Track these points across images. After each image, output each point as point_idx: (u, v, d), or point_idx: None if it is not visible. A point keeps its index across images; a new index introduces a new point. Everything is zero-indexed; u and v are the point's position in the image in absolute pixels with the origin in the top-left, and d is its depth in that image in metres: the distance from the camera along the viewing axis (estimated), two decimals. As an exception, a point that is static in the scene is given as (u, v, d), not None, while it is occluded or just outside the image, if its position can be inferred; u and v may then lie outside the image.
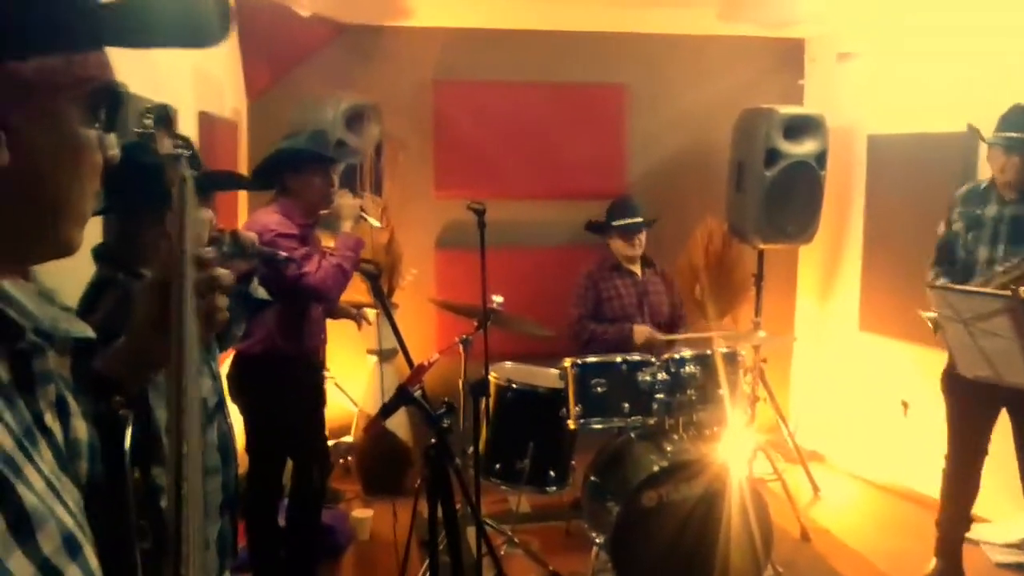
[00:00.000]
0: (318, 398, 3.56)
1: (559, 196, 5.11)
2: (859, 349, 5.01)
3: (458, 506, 3.27)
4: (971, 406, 3.47)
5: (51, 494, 0.76)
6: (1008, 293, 2.78)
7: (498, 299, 3.76)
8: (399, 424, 4.27)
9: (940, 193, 4.41)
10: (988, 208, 3.47)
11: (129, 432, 0.99)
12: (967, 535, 3.67)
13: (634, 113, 5.24)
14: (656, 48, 5.24)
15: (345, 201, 3.28)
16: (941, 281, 3.52)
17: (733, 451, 3.61)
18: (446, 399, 2.63)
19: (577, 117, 5.19)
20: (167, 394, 1.01)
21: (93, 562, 0.79)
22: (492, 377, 3.79)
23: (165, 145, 1.40)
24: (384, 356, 4.41)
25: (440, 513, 2.61)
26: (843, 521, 4.40)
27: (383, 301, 3.08)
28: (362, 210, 3.36)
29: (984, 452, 3.51)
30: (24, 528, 0.71)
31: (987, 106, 3.53)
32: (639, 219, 4.31)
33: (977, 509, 3.72)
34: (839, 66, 5.19)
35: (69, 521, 0.77)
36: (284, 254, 2.60)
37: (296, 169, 3.24)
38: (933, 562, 3.68)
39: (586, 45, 5.17)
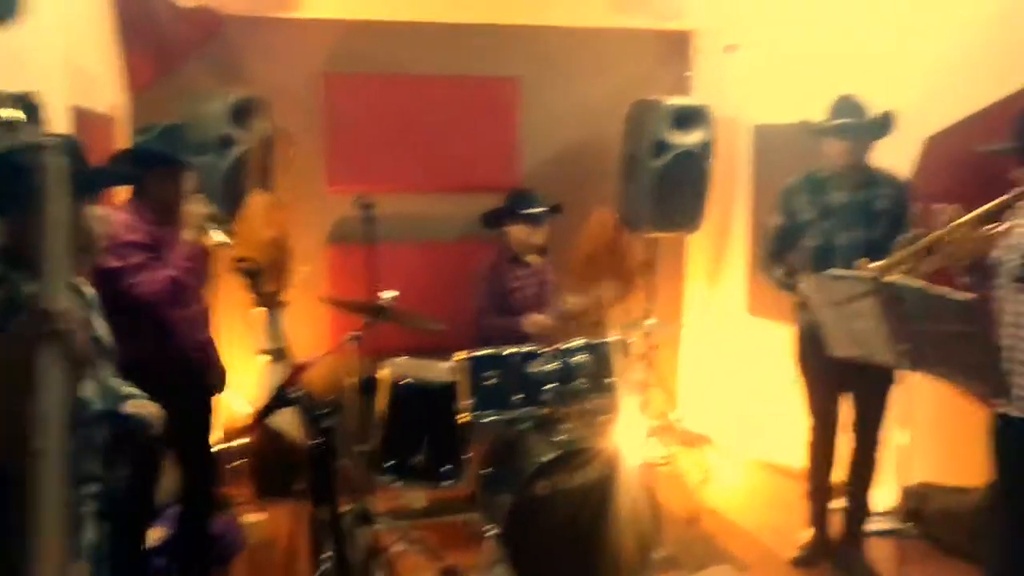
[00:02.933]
0: (201, 406, 3.46)
1: (453, 189, 5.10)
2: (748, 333, 5.17)
3: (350, 506, 3.27)
4: (819, 384, 3.77)
5: None
6: (872, 276, 2.90)
7: (390, 294, 3.73)
8: (292, 425, 4.20)
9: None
10: (834, 196, 3.64)
11: None
12: (837, 504, 3.90)
13: (527, 106, 5.27)
14: (548, 41, 5.27)
15: (190, 208, 3.16)
16: (778, 273, 3.77)
17: (624, 437, 3.69)
18: (331, 398, 2.61)
19: (470, 110, 5.18)
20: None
21: None
22: (384, 372, 3.77)
23: (30, 134, 1.36)
24: (275, 356, 4.34)
25: (329, 514, 2.60)
26: (731, 500, 4.56)
27: (262, 300, 3.02)
28: (211, 221, 3.20)
29: (834, 424, 3.79)
30: None
31: (868, 94, 3.66)
32: (545, 208, 4.37)
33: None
34: (725, 58, 5.32)
35: None
36: None
37: (147, 168, 3.12)
38: (807, 532, 3.93)
39: (479, 38, 5.17)
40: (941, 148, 3.99)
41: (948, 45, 4.03)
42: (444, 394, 3.66)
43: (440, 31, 5.08)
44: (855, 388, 3.68)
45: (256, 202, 4.40)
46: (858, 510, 3.79)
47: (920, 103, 3.87)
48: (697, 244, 5.54)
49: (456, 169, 5.13)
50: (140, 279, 3.02)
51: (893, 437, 3.67)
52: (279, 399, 2.45)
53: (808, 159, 4.27)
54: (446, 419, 3.63)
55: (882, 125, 3.58)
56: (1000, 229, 2.91)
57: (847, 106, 3.59)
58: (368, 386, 3.65)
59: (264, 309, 4.31)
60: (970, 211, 2.89)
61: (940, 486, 4.03)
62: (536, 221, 4.34)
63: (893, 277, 2.86)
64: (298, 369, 2.60)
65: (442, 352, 3.92)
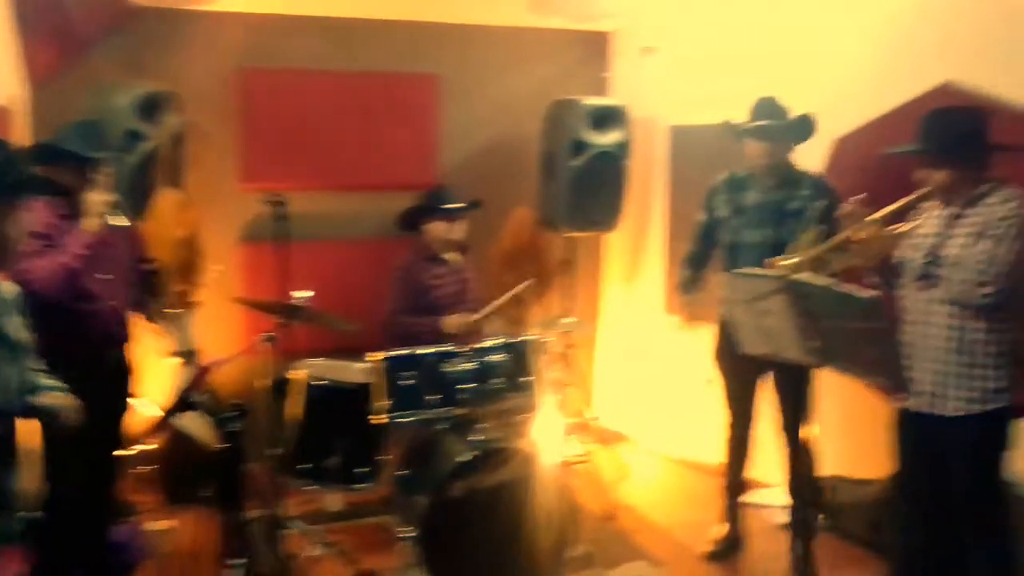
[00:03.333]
0: (113, 403, 3.35)
1: (371, 188, 5.03)
2: (665, 331, 5.23)
3: (262, 511, 3.20)
4: (736, 379, 3.85)
5: None
6: (781, 274, 2.96)
7: (304, 294, 3.65)
8: (201, 428, 4.07)
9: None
10: (749, 195, 3.72)
11: None
12: (749, 499, 4.04)
13: (446, 104, 5.23)
14: (468, 39, 5.24)
15: (91, 197, 3.09)
16: (684, 275, 3.95)
17: (541, 436, 3.69)
18: (239, 400, 2.54)
19: (388, 108, 5.11)
20: None
21: None
22: (299, 374, 3.69)
23: None
24: (186, 358, 4.20)
25: (238, 520, 2.53)
26: (648, 497, 4.62)
27: (161, 301, 2.94)
28: (114, 208, 3.15)
29: (750, 419, 3.87)
30: None
31: (781, 95, 3.75)
32: (464, 203, 4.33)
33: (762, 475, 4.02)
34: (642, 60, 5.38)
35: None
36: None
37: (54, 163, 3.11)
38: (721, 527, 3.99)
39: (398, 35, 5.11)
40: (850, 149, 4.11)
41: (858, 48, 4.15)
42: (359, 395, 3.60)
43: (358, 27, 5.00)
44: (778, 383, 3.72)
45: (165, 200, 4.27)
46: (806, 506, 3.80)
47: (830, 104, 3.96)
48: (614, 243, 5.59)
49: (373, 167, 5.07)
50: (31, 266, 2.93)
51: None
52: (181, 402, 2.38)
53: (723, 159, 4.37)
54: (361, 421, 3.57)
55: (801, 127, 3.66)
56: (905, 229, 3.01)
57: (767, 108, 3.66)
58: (281, 388, 3.57)
59: (174, 310, 4.18)
60: (877, 211, 2.99)
61: (846, 479, 4.14)
62: (454, 217, 4.31)
63: (801, 275, 2.93)
64: (203, 371, 2.53)
65: (360, 353, 3.86)
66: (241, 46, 4.84)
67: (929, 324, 2.92)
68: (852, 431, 3.90)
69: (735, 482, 3.97)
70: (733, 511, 3.98)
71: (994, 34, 3.62)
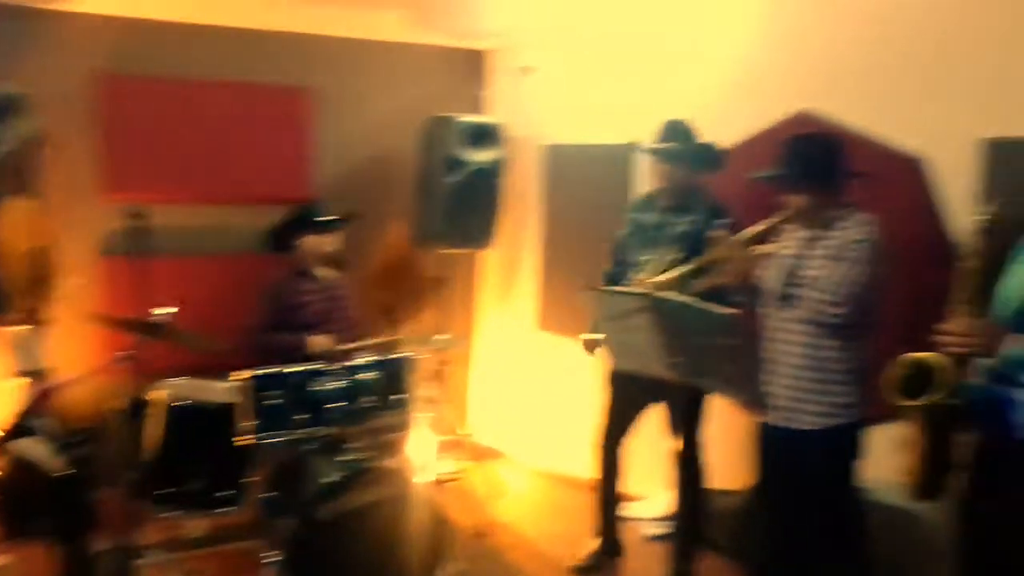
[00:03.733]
0: None
1: (240, 201, 4.88)
2: (538, 348, 5.28)
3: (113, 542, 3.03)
4: (624, 400, 3.86)
5: None
6: (645, 291, 3.03)
7: (166, 311, 3.50)
8: (46, 454, 3.84)
9: (610, 199, 4.76)
10: (649, 215, 3.79)
11: None
12: (621, 512, 4.07)
13: (322, 118, 5.14)
14: (345, 53, 5.17)
15: None
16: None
17: (413, 455, 3.65)
18: (87, 423, 2.40)
19: (261, 120, 4.98)
20: None
21: None
22: (159, 394, 3.54)
23: None
24: (35, 378, 3.95)
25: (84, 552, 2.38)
26: (522, 513, 4.64)
27: (20, 316, 2.76)
28: None
29: (623, 436, 3.91)
30: None
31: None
32: (337, 216, 4.24)
33: (632, 488, 4.08)
34: (520, 79, 5.43)
35: None
36: None
37: None
38: (593, 541, 4.02)
39: (272, 45, 4.99)
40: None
41: (728, 72, 4.29)
42: (222, 415, 3.48)
43: (232, 36, 4.85)
44: (667, 399, 3.74)
45: (15, 209, 4.03)
46: (690, 527, 3.83)
47: (704, 128, 4.08)
48: (489, 260, 5.62)
49: (244, 180, 4.92)
50: None
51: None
52: (19, 426, 2.23)
53: (597, 179, 4.46)
54: (225, 442, 3.45)
55: (704, 154, 3.68)
56: (766, 250, 3.13)
57: (672, 130, 3.70)
58: (139, 409, 3.41)
59: (23, 326, 3.94)
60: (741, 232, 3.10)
61: (709, 489, 4.25)
62: (328, 230, 4.23)
63: (664, 293, 3.01)
64: (45, 393, 2.38)
65: (225, 372, 3.72)
66: (105, 50, 4.63)
67: (786, 342, 3.04)
68: (713, 444, 4.00)
69: (608, 496, 4.00)
70: (606, 525, 4.02)
71: (844, 65, 3.82)
